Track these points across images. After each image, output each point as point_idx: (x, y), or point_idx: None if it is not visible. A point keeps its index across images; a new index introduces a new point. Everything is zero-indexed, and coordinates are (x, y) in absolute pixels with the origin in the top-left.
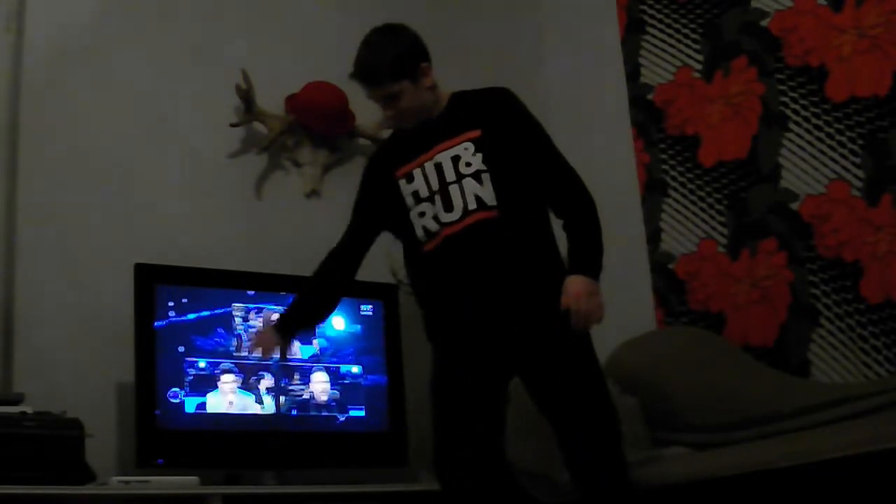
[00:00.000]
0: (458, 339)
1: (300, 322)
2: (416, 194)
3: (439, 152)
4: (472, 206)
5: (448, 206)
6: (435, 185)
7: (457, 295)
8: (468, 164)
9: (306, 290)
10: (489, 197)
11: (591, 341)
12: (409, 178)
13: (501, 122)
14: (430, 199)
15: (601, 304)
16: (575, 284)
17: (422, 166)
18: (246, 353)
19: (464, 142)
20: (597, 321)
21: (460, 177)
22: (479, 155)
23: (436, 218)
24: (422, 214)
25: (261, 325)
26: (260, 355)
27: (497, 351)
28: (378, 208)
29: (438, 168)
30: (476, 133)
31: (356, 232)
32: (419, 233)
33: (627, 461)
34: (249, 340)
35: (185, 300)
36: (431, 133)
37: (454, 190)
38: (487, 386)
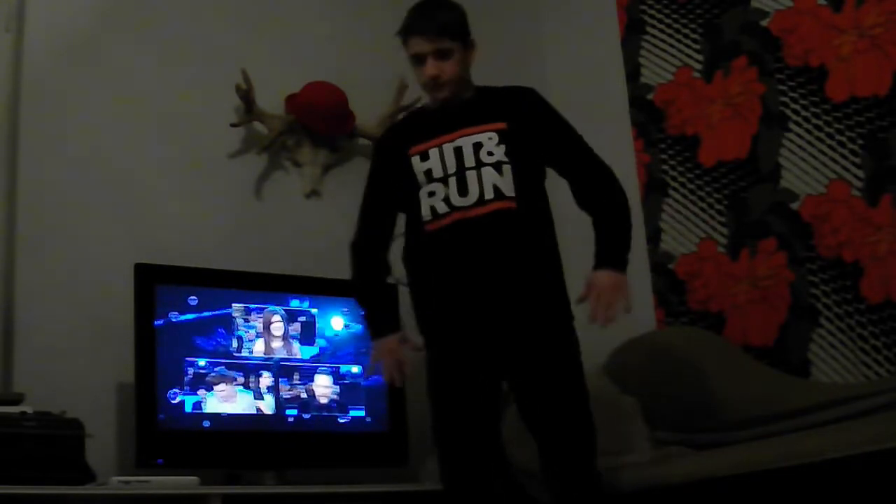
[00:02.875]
0: (451, 332)
1: (394, 320)
2: (428, 173)
3: (461, 136)
4: (490, 195)
5: (463, 191)
6: (452, 167)
7: (458, 278)
8: (490, 154)
9: (371, 294)
10: (508, 188)
11: (580, 355)
12: (424, 157)
13: (527, 119)
14: (444, 181)
15: (627, 296)
16: (602, 277)
17: (440, 147)
18: (247, 353)
19: (488, 131)
20: (618, 312)
21: (480, 164)
22: (503, 146)
23: (447, 200)
24: (431, 194)
25: (375, 351)
26: (390, 376)
27: (488, 351)
28: (392, 186)
29: (458, 151)
30: (502, 125)
31: (377, 219)
32: (425, 211)
33: (601, 474)
34: (373, 369)
35: (185, 300)
36: (454, 117)
37: (471, 176)
38: (482, 386)
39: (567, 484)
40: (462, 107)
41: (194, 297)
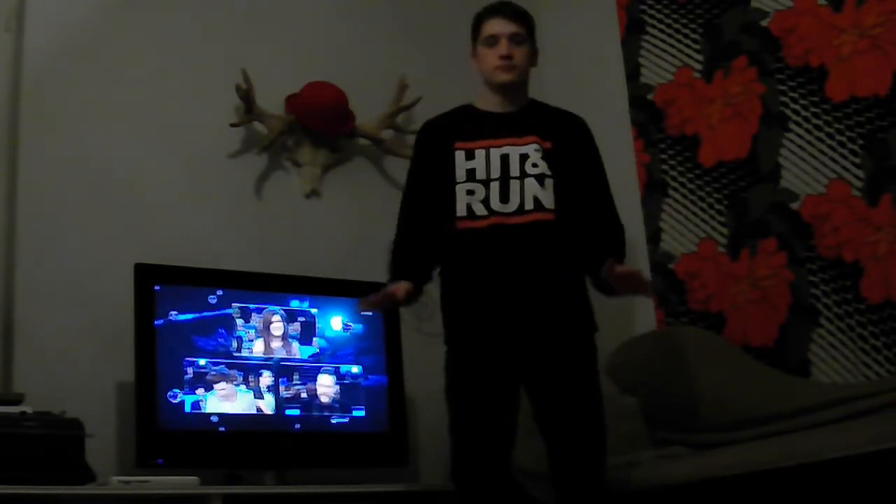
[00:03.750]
0: (476, 333)
1: (421, 272)
2: (471, 172)
3: (509, 144)
4: (530, 205)
5: (504, 198)
6: (496, 172)
7: (490, 281)
8: (535, 166)
9: (401, 260)
10: (548, 201)
11: (597, 363)
12: (470, 155)
13: (572, 146)
14: (485, 184)
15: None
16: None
17: (487, 149)
18: (247, 353)
19: (535, 143)
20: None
21: (524, 175)
22: (546, 163)
23: (485, 202)
24: (470, 192)
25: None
26: (382, 303)
27: (511, 354)
28: (434, 180)
29: (504, 159)
30: (547, 144)
31: (418, 219)
32: (460, 207)
33: (606, 479)
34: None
35: (185, 300)
36: (504, 123)
37: (514, 185)
38: (502, 389)
39: (576, 487)
40: (514, 115)
41: (194, 298)
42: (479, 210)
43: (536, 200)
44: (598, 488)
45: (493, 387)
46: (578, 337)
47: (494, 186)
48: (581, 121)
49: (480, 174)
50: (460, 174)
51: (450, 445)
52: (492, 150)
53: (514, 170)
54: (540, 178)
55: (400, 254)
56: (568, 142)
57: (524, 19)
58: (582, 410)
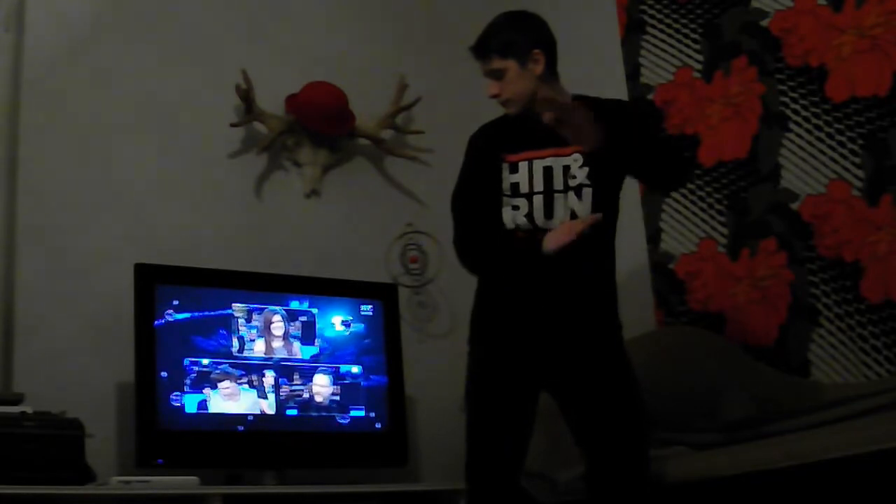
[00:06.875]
0: (503, 337)
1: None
2: (515, 186)
3: (552, 156)
4: (567, 219)
5: (549, 213)
6: (539, 186)
7: (525, 293)
8: (574, 177)
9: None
10: (584, 213)
11: (634, 369)
12: (513, 168)
13: (613, 137)
14: (528, 198)
15: (592, 133)
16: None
17: (530, 162)
18: (248, 353)
19: (575, 152)
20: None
21: (567, 188)
22: (586, 169)
23: (530, 217)
24: (515, 207)
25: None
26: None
27: (537, 364)
28: (485, 186)
29: (548, 171)
30: None
31: (474, 219)
32: (507, 219)
33: (651, 481)
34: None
35: (185, 300)
36: (546, 132)
37: (559, 199)
38: (523, 394)
39: (620, 491)
40: None
41: (194, 298)
42: (524, 224)
43: (573, 214)
44: (642, 487)
45: (514, 394)
46: (604, 341)
47: (537, 201)
48: (624, 105)
49: (524, 188)
50: (505, 186)
51: (466, 449)
52: (535, 161)
53: (558, 183)
54: (578, 190)
55: (494, 248)
56: (611, 135)
57: (491, 49)
58: (619, 413)
